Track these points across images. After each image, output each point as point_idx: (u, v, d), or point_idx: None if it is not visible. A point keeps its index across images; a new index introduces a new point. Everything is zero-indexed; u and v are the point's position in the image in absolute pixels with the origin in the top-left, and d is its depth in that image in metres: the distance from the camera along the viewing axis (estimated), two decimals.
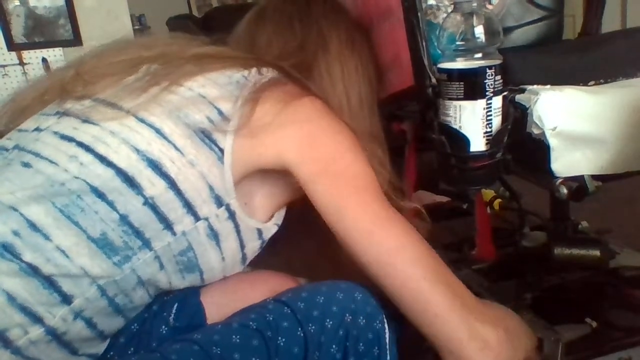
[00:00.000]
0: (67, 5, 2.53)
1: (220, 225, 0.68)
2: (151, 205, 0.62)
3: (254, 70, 0.72)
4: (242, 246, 0.73)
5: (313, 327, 0.63)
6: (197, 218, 0.65)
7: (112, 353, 0.67)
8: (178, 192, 0.63)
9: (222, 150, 0.65)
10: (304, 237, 0.72)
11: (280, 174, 0.70)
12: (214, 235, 0.68)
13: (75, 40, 2.56)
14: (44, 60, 2.56)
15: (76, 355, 0.62)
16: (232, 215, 0.69)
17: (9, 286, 0.56)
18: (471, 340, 0.63)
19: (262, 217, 0.74)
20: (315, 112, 0.70)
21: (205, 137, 0.65)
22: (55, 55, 2.57)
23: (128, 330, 0.69)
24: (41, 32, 2.53)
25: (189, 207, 0.64)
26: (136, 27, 3.81)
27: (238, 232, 0.71)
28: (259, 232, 0.74)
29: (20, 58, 2.53)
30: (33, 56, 2.55)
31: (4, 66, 2.51)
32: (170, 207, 0.63)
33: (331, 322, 0.64)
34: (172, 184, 0.63)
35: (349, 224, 0.65)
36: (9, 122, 0.75)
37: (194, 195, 0.64)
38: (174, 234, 0.64)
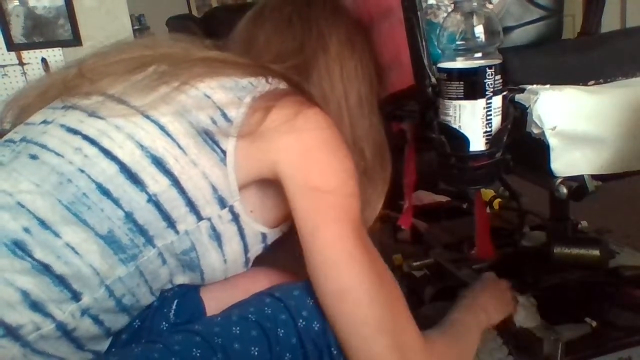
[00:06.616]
0: (67, 6, 2.53)
1: (223, 227, 0.68)
2: (155, 202, 0.63)
3: (261, 78, 0.71)
4: (246, 250, 0.73)
5: (303, 323, 0.65)
6: (199, 218, 0.66)
7: (113, 350, 0.68)
8: (181, 190, 0.64)
9: (224, 152, 0.65)
10: None
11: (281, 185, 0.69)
12: (216, 236, 0.68)
13: (75, 40, 2.56)
14: (43, 60, 2.56)
15: (82, 350, 0.63)
16: (235, 218, 0.69)
17: (22, 284, 0.57)
18: None
19: (269, 225, 0.74)
20: (319, 126, 0.69)
21: (209, 138, 0.65)
22: (55, 56, 2.57)
23: (130, 327, 0.69)
24: (40, 32, 2.53)
25: (191, 206, 0.65)
26: (135, 27, 3.80)
27: (242, 235, 0.71)
28: (264, 236, 0.74)
29: (19, 58, 2.53)
30: (32, 56, 2.55)
31: (3, 66, 2.51)
32: (173, 205, 0.64)
33: (318, 325, 0.65)
34: (175, 182, 0.63)
35: (317, 248, 0.65)
36: (13, 121, 0.76)
37: (196, 195, 0.65)
38: (177, 232, 0.65)
